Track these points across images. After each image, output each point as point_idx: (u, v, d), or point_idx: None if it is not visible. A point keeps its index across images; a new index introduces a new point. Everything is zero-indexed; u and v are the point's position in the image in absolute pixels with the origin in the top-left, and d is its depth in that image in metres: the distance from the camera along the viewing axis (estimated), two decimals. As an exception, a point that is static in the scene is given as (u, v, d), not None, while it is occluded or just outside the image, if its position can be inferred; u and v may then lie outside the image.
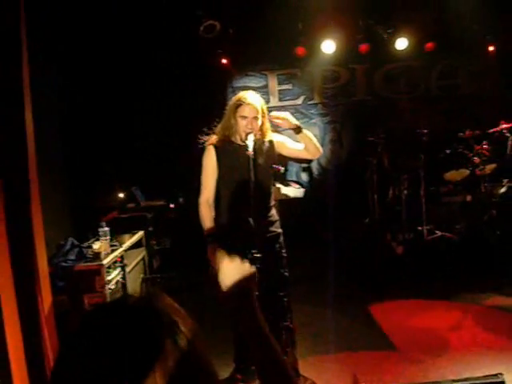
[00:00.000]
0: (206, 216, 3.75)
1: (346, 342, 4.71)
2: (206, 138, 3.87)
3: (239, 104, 3.65)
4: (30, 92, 3.28)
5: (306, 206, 7.49)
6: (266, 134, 3.82)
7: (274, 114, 3.73)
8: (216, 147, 3.78)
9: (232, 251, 3.76)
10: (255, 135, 3.64)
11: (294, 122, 3.73)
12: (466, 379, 2.41)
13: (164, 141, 7.39)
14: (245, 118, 3.64)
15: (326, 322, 5.21)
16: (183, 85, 7.54)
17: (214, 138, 3.82)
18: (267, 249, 3.68)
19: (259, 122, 3.69)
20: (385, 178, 7.13)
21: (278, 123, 3.76)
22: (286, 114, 3.73)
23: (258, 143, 3.72)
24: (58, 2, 6.22)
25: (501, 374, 2.39)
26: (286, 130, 3.82)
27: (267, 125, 3.82)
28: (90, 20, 6.71)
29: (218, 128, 3.81)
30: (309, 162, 7.92)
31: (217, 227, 3.76)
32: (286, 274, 3.89)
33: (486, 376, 2.42)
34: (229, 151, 3.76)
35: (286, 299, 3.88)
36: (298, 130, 3.74)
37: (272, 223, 3.86)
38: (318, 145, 3.87)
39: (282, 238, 3.91)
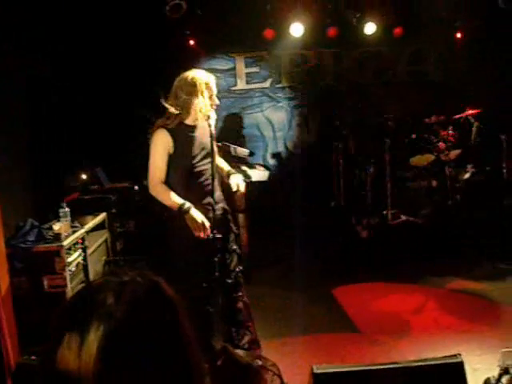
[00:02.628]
0: (167, 192, 3.55)
1: (309, 325, 4.72)
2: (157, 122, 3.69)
3: (209, 83, 3.62)
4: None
5: (271, 190, 7.45)
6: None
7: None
8: (169, 130, 3.58)
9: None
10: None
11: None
12: (425, 360, 2.42)
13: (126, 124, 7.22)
14: (213, 95, 3.65)
15: (289, 305, 5.22)
16: (148, 68, 7.36)
17: (162, 121, 3.63)
18: (224, 227, 3.74)
19: None
20: (351, 162, 7.14)
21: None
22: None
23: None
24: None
25: (459, 354, 2.40)
26: None
27: None
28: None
29: (174, 111, 3.59)
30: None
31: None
32: (239, 249, 3.99)
33: (445, 357, 2.43)
34: (186, 134, 3.63)
35: (240, 274, 3.92)
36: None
37: (223, 201, 3.87)
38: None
39: (229, 215, 3.96)
